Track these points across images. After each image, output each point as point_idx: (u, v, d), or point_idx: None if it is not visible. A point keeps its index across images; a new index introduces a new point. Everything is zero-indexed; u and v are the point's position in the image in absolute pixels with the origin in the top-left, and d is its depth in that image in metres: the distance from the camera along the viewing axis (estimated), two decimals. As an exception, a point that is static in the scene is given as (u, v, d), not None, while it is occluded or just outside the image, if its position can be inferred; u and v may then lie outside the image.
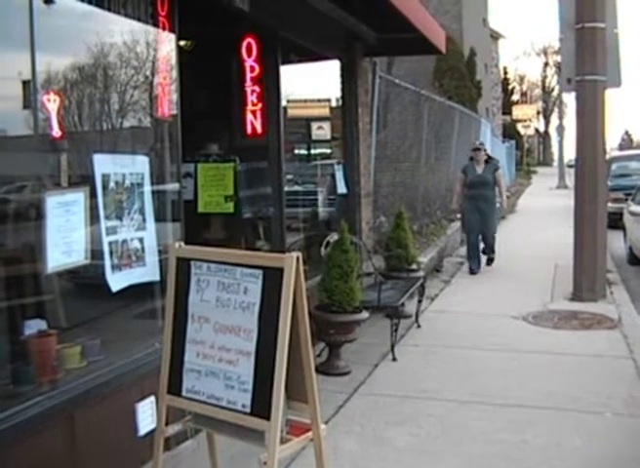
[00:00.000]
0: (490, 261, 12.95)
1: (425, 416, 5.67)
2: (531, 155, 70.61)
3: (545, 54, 77.06)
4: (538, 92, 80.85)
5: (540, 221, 20.33)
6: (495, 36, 59.52)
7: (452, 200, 13.88)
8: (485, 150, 12.94)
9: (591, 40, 9.70)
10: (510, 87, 71.26)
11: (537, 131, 77.39)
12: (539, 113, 77.11)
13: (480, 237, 12.76)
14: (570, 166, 28.93)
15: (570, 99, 34.65)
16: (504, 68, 69.37)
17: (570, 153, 38.22)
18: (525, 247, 15.09)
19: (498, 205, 13.35)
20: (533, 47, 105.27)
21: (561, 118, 46.87)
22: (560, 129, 45.24)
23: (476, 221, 12.49)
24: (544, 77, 78.78)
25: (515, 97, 74.43)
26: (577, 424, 5.48)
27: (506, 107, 61.46)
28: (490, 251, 12.91)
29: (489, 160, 12.77)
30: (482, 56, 43.88)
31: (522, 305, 9.44)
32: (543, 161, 78.85)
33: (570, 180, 26.86)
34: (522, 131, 59.68)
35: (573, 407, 5.83)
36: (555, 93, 68.65)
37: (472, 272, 12.50)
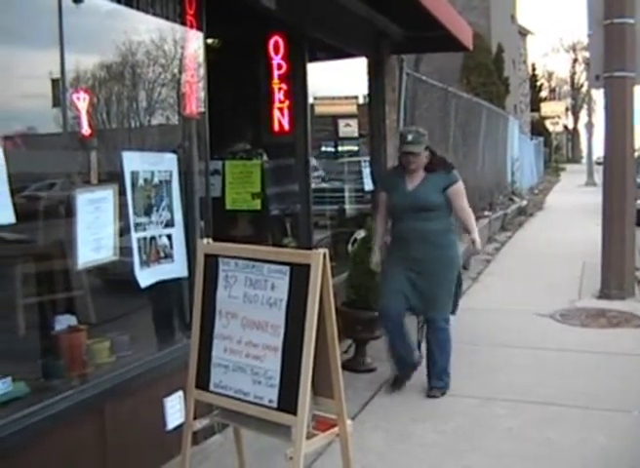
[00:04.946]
0: (436, 391, 6.10)
1: (451, 413, 5.68)
2: (559, 152, 70.16)
3: (574, 50, 76.60)
4: (566, 88, 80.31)
5: (567, 219, 20.20)
6: (523, 32, 59.15)
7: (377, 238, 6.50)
8: (427, 148, 6.08)
9: (620, 36, 9.63)
10: (539, 83, 70.75)
11: (565, 128, 76.89)
12: (567, 110, 76.59)
13: (418, 319, 6.65)
14: (599, 163, 28.70)
15: (599, 96, 34.43)
16: (533, 65, 68.94)
17: (599, 150, 37.96)
18: (552, 244, 14.99)
19: (461, 250, 6.92)
20: (562, 43, 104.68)
21: (590, 115, 46.51)
22: (589, 125, 44.90)
23: (403, 285, 5.99)
24: (573, 73, 78.34)
25: (544, 93, 73.85)
26: (603, 422, 5.45)
27: (535, 104, 61.03)
28: (438, 369, 6.18)
29: (436, 165, 6.09)
30: (510, 52, 43.62)
31: (549, 303, 9.39)
32: (572, 158, 78.28)
33: (598, 178, 26.64)
34: (550, 128, 59.28)
35: (599, 405, 5.80)
36: (584, 89, 67.99)
37: (395, 383, 6.29)
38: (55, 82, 4.50)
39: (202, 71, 5.39)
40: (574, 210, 22.75)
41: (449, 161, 6.56)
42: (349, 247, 7.58)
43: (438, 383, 6.15)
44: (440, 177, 6.05)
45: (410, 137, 5.97)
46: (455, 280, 6.22)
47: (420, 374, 6.18)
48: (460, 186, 6.14)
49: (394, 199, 6.14)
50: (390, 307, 6.04)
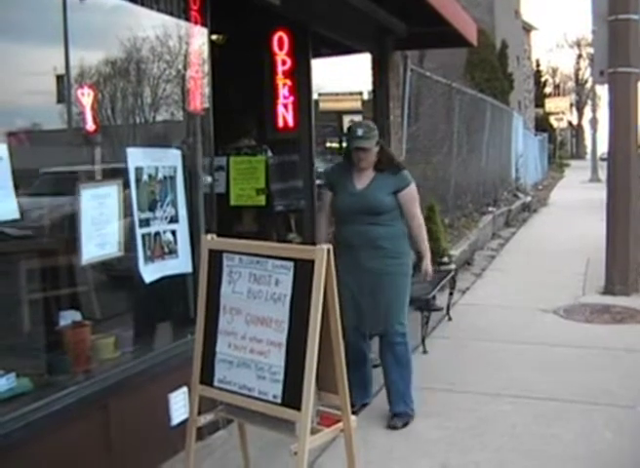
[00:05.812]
0: (398, 420, 5.32)
1: (455, 409, 5.67)
2: (564, 148, 70.01)
3: (579, 46, 76.25)
4: (571, 84, 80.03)
5: (571, 215, 20.15)
6: (527, 28, 59.03)
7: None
8: (380, 144, 5.44)
9: (624, 32, 9.61)
10: (543, 79, 70.57)
11: (570, 123, 76.74)
12: (572, 106, 76.37)
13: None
14: (603, 159, 28.66)
15: (603, 92, 34.36)
16: (537, 61, 68.78)
17: (603, 146, 37.91)
18: (556, 240, 14.98)
19: (411, 264, 5.61)
20: (566, 39, 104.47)
21: (594, 111, 46.36)
22: (593, 121, 44.77)
23: (357, 301, 5.36)
24: (578, 69, 78.01)
25: (548, 89, 73.68)
26: (607, 418, 5.45)
27: (539, 100, 60.95)
28: (400, 391, 5.45)
29: (385, 163, 5.43)
30: (514, 48, 43.51)
31: (553, 299, 9.38)
32: (576, 154, 78.04)
33: (603, 174, 26.60)
34: (555, 123, 59.21)
35: (603, 401, 5.80)
36: (588, 85, 67.89)
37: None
38: (59, 78, 4.51)
39: (206, 67, 5.39)
40: (578, 206, 22.69)
41: (398, 160, 5.93)
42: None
43: (400, 408, 5.40)
44: (390, 178, 5.39)
45: (360, 132, 5.29)
46: (408, 288, 5.50)
47: (419, 370, 6.18)
48: (412, 190, 5.48)
49: (341, 199, 5.46)
50: (355, 322, 5.35)
